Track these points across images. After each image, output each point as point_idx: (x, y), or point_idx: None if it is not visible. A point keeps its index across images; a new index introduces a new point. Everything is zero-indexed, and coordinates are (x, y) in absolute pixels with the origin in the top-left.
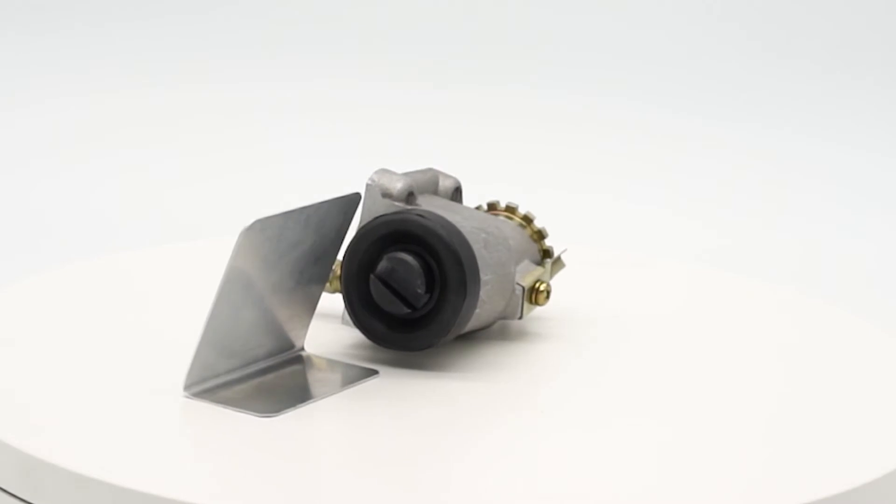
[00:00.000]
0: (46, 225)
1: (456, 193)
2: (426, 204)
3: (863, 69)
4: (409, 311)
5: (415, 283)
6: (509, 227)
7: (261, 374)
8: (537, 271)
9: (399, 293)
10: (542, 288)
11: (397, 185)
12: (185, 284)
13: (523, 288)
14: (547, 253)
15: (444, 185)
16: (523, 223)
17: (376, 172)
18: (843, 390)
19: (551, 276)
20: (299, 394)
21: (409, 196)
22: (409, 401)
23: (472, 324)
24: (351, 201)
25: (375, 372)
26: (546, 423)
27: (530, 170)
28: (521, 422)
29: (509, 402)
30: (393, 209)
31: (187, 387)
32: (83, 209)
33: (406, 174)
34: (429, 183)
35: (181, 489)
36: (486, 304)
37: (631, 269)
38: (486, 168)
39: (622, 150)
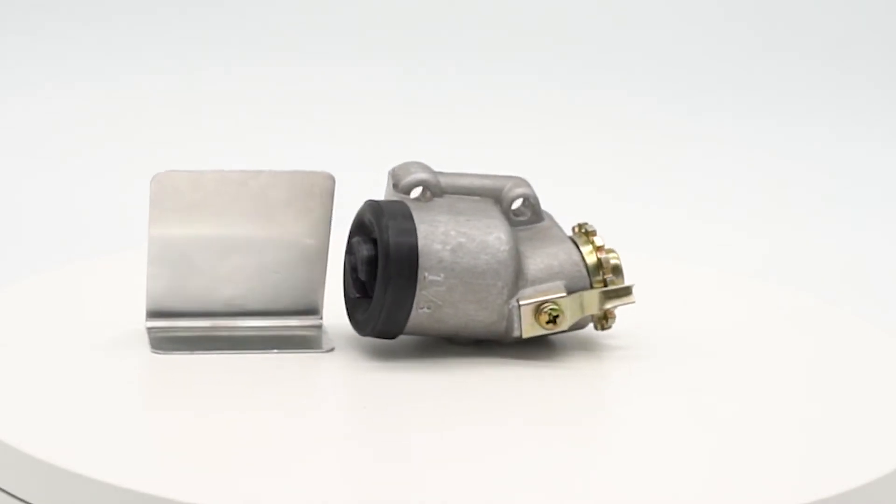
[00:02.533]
0: (46, 225)
1: (522, 203)
2: (440, 202)
3: (868, 68)
4: (357, 295)
5: (358, 269)
6: (555, 248)
7: (252, 329)
8: (551, 294)
9: (353, 277)
10: (545, 309)
11: (405, 178)
12: None
13: (518, 305)
14: (603, 283)
15: (510, 194)
16: (592, 250)
17: (403, 163)
18: (842, 390)
19: (603, 307)
20: (220, 344)
21: (422, 191)
22: (303, 376)
23: (438, 327)
24: (319, 178)
25: (330, 349)
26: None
27: (534, 167)
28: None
29: (410, 398)
30: (394, 198)
31: (148, 317)
32: (83, 209)
33: (445, 173)
34: (484, 188)
35: (178, 490)
36: (444, 309)
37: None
38: (491, 166)
39: (619, 148)
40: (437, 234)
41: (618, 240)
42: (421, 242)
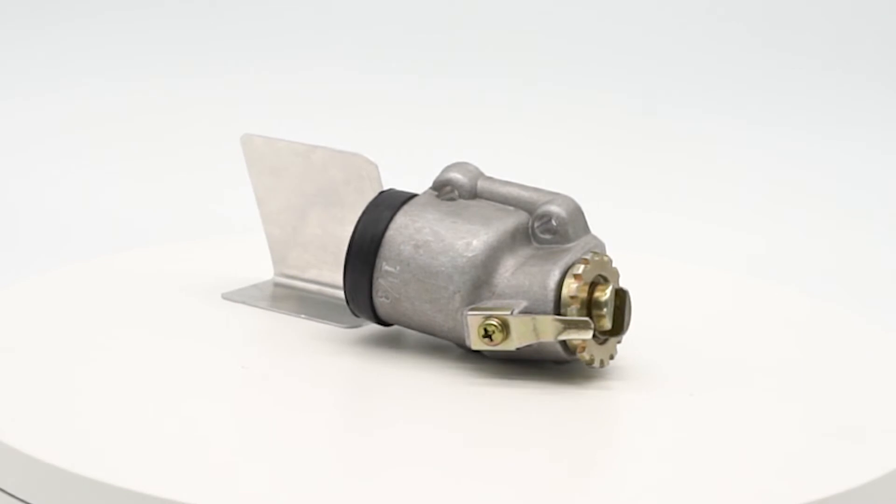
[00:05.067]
0: (47, 225)
1: (543, 221)
2: (462, 203)
3: (867, 68)
4: None
5: None
6: (539, 268)
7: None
8: (497, 311)
9: None
10: (482, 323)
11: (438, 178)
12: (185, 284)
13: (466, 315)
14: (570, 314)
15: (537, 210)
16: (573, 280)
17: (453, 163)
18: (842, 390)
19: (558, 336)
20: (271, 304)
21: (445, 189)
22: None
23: (407, 321)
24: (363, 162)
25: (353, 326)
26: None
27: (532, 168)
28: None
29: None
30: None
31: (276, 273)
32: (83, 210)
33: (494, 179)
34: (520, 200)
35: (178, 490)
36: (403, 303)
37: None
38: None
39: (619, 149)
40: (410, 228)
41: (617, 239)
42: (389, 233)
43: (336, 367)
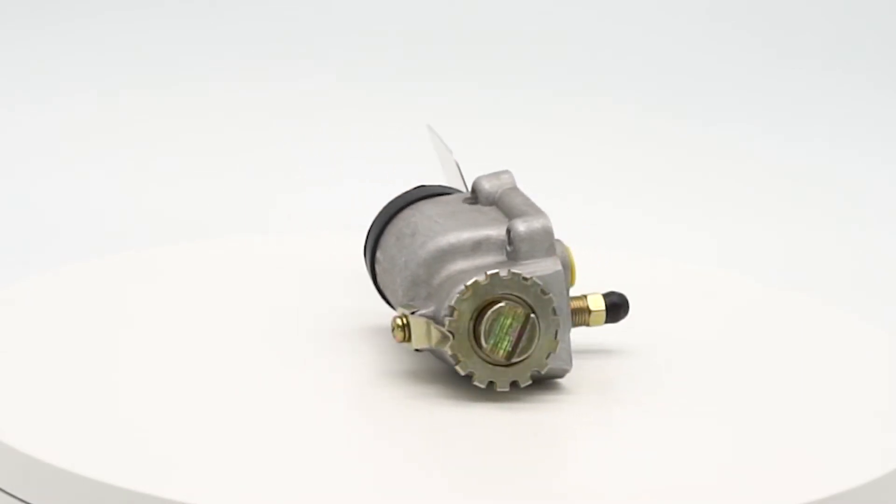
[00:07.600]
0: (46, 225)
1: (508, 235)
2: (477, 207)
3: (867, 69)
4: None
5: None
6: (469, 277)
7: None
8: (407, 309)
9: None
10: (393, 318)
11: (475, 182)
12: (185, 286)
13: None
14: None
15: (509, 223)
16: (465, 289)
17: (493, 171)
18: (842, 390)
19: (435, 344)
20: None
21: (473, 193)
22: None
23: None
24: (450, 157)
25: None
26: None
27: (532, 172)
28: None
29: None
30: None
31: None
32: (83, 210)
33: (517, 190)
34: (512, 211)
35: (178, 490)
36: (386, 291)
37: (620, 271)
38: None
39: (619, 150)
40: (406, 222)
41: (614, 238)
42: (391, 224)
43: (352, 359)
